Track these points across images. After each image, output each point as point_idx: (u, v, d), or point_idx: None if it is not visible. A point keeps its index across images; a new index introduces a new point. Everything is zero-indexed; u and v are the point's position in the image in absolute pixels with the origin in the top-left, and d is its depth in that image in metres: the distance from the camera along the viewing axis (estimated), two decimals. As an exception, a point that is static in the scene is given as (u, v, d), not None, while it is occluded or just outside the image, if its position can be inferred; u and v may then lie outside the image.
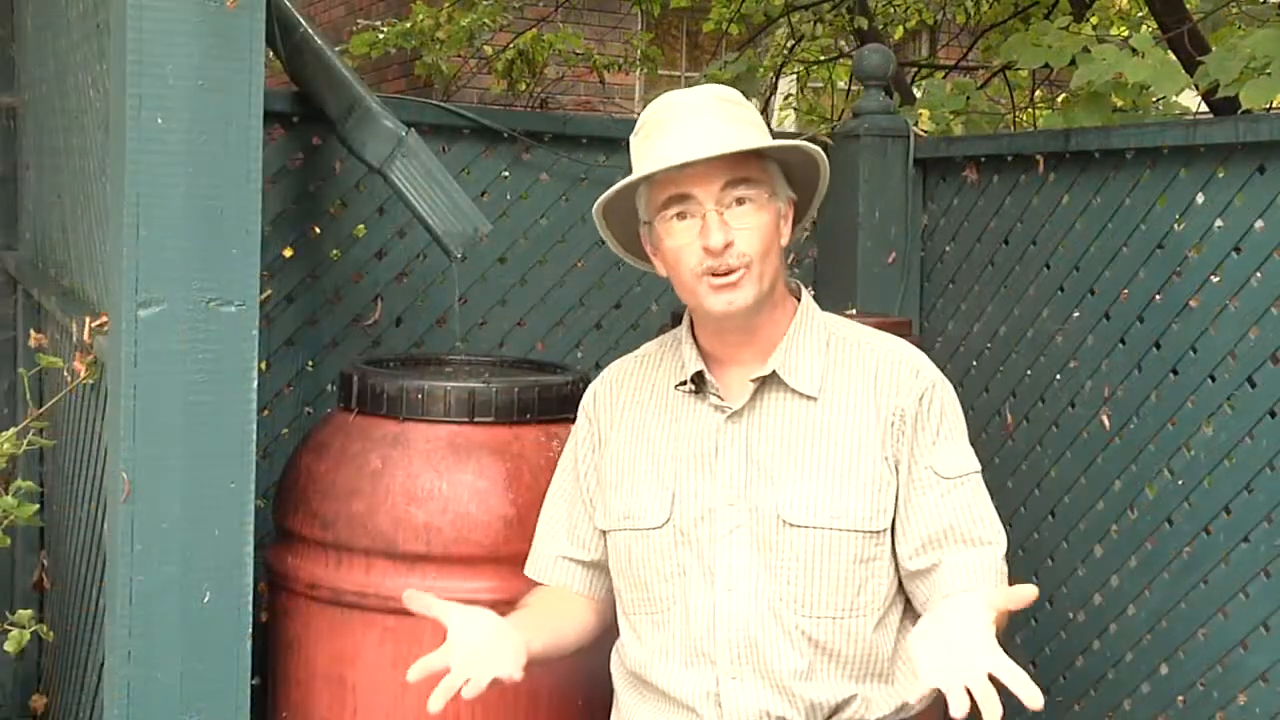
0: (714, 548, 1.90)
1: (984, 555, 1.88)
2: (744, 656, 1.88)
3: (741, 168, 1.84)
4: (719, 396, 1.93)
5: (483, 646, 1.81)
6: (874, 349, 1.95)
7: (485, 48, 6.61)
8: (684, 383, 1.96)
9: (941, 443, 1.91)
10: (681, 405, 1.97)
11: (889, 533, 1.89)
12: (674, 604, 1.93)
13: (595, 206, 1.95)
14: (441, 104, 2.97)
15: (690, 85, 2.02)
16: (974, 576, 1.86)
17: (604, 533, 2.02)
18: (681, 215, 1.86)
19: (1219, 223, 2.46)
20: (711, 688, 1.89)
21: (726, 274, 1.84)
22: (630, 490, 1.98)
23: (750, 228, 1.84)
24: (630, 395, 2.04)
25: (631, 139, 1.94)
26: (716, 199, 1.83)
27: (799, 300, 1.99)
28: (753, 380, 1.91)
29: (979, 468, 1.94)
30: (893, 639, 1.92)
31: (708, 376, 1.94)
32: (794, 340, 1.93)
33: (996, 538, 1.90)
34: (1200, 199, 2.50)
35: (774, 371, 1.90)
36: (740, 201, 1.84)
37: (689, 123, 1.85)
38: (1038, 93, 6.37)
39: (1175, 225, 2.54)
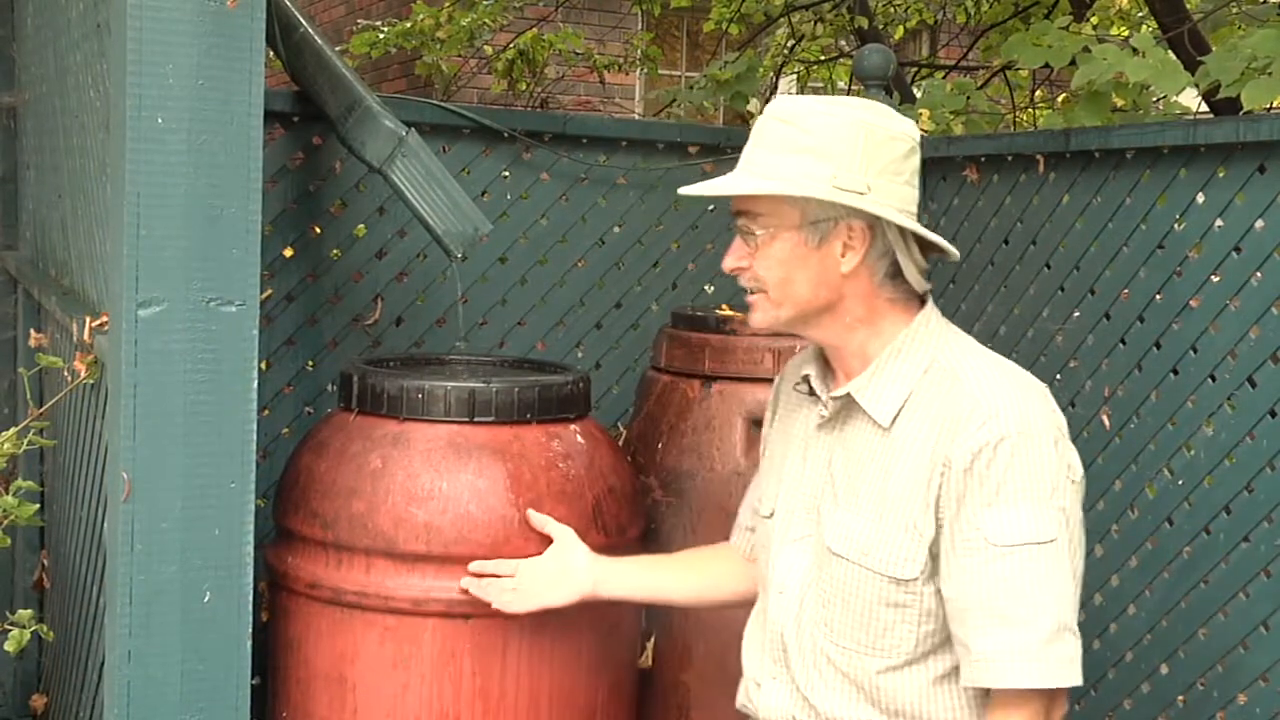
0: (783, 549, 1.92)
1: (1012, 639, 1.71)
2: (780, 659, 1.91)
3: (746, 201, 1.82)
4: (822, 403, 1.92)
5: (545, 574, 2.13)
6: (965, 386, 1.78)
7: (485, 48, 6.61)
8: (800, 383, 1.97)
9: (1000, 505, 1.71)
10: (804, 403, 1.98)
11: (925, 583, 1.78)
12: (764, 590, 1.99)
13: (687, 190, 1.94)
14: (441, 104, 2.97)
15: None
16: (992, 671, 1.72)
17: None
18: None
19: (1219, 223, 2.45)
20: (759, 677, 1.95)
21: (751, 292, 1.87)
22: (765, 475, 2.04)
23: (760, 256, 1.83)
24: (790, 389, 2.05)
25: None
26: (739, 224, 1.85)
27: (916, 317, 1.88)
28: (833, 398, 1.88)
29: (1052, 537, 1.72)
30: (924, 686, 1.81)
31: (815, 382, 1.93)
32: (889, 363, 1.84)
33: (1038, 618, 1.70)
34: (1200, 199, 2.49)
35: (849, 394, 1.85)
36: (747, 231, 1.83)
37: (749, 145, 1.85)
38: (1038, 93, 6.38)
39: (1175, 225, 2.54)
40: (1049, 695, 1.74)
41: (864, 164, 1.77)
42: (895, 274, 1.84)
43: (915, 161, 1.84)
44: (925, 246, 1.86)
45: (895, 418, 1.82)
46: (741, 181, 1.82)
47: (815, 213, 1.80)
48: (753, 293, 1.86)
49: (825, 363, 1.94)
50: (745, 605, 2.06)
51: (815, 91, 7.43)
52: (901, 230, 1.82)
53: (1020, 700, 1.73)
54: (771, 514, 1.97)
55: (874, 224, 1.81)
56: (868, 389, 1.85)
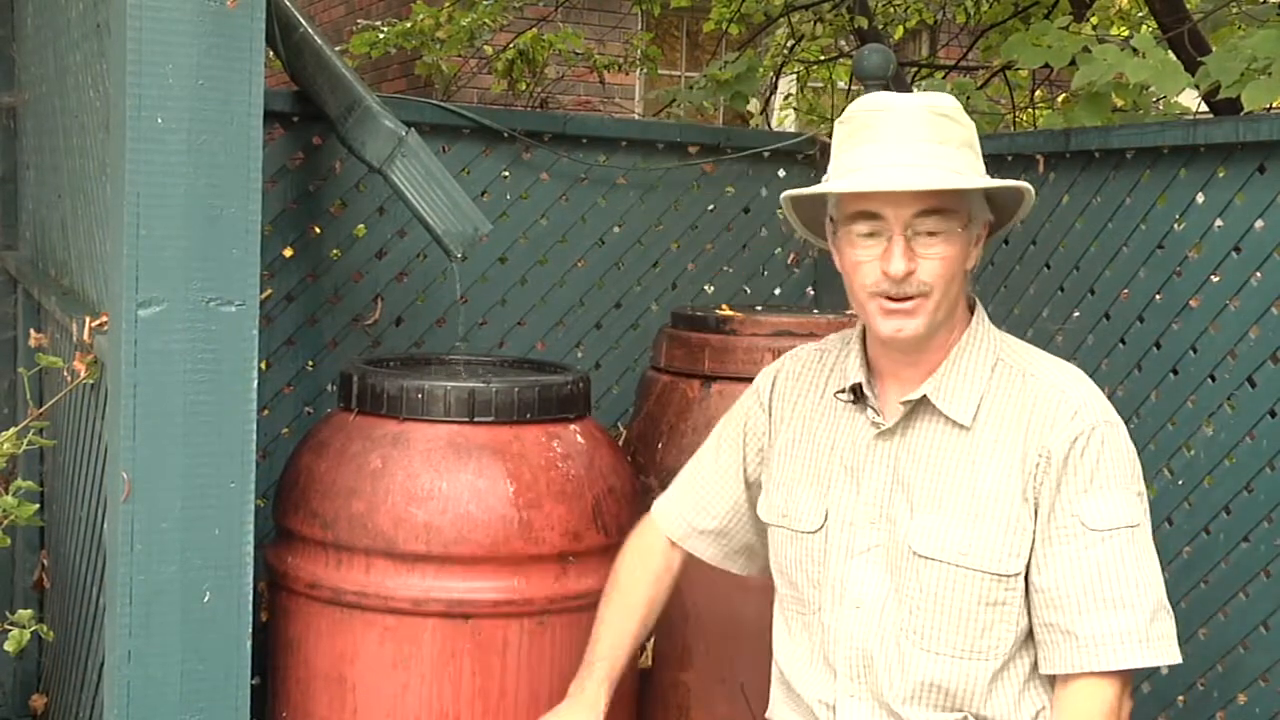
0: (850, 562, 1.87)
1: (1121, 621, 1.74)
2: (862, 676, 1.85)
3: (937, 197, 1.75)
4: (875, 410, 1.88)
5: None
6: (1039, 381, 1.83)
7: (485, 48, 6.61)
8: (843, 391, 1.91)
9: (1095, 491, 1.76)
10: (842, 412, 1.92)
11: (1022, 578, 1.79)
12: (819, 609, 1.91)
13: (784, 198, 1.89)
14: (441, 104, 2.97)
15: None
16: (1102, 654, 1.75)
17: (765, 524, 2.01)
18: (867, 232, 1.79)
19: (1219, 223, 2.46)
20: (829, 699, 1.88)
21: (903, 300, 1.78)
22: (790, 490, 1.95)
23: (936, 257, 1.77)
24: (804, 392, 1.99)
25: (836, 126, 1.87)
26: (906, 223, 1.76)
27: (972, 316, 1.90)
28: (903, 402, 1.85)
29: (1139, 522, 1.78)
30: (1016, 689, 1.82)
31: (866, 390, 1.88)
32: (956, 363, 1.85)
33: (1140, 599, 1.75)
34: (1200, 199, 2.50)
35: (925, 396, 1.84)
36: (931, 232, 1.77)
37: (896, 137, 1.77)
38: (1038, 93, 6.37)
39: (1175, 225, 2.54)
40: (1124, 675, 1.77)
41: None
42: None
43: None
44: None
45: (975, 416, 1.82)
46: (963, 178, 1.77)
47: (978, 207, 1.82)
48: (912, 298, 1.77)
49: (868, 369, 1.90)
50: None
51: (815, 92, 7.43)
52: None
53: (1105, 681, 1.76)
54: (820, 529, 1.90)
55: (990, 224, 1.86)
56: (940, 390, 1.83)
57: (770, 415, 2.02)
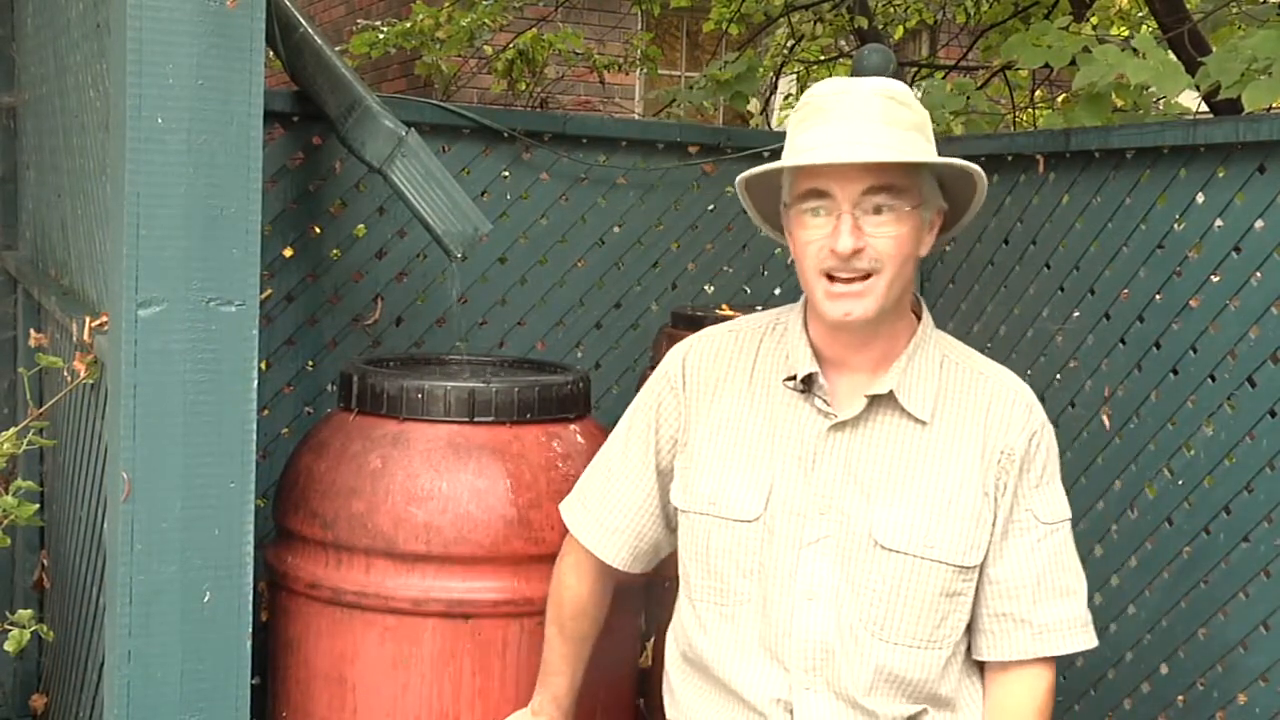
0: (798, 553, 1.85)
1: (1067, 609, 1.88)
2: (818, 669, 1.85)
3: (887, 174, 1.75)
4: (826, 402, 1.87)
5: None
6: (988, 380, 1.89)
7: (485, 48, 6.61)
8: (791, 379, 1.89)
9: (1044, 486, 1.88)
10: (783, 400, 1.90)
11: (979, 569, 1.86)
12: (748, 600, 1.89)
13: (738, 181, 1.88)
14: (441, 104, 2.97)
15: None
16: (1054, 640, 1.87)
17: (679, 510, 1.96)
18: (817, 211, 1.78)
19: (1219, 223, 2.46)
20: (783, 694, 1.86)
21: (849, 280, 1.77)
22: (719, 476, 1.91)
23: (886, 236, 1.76)
24: (725, 374, 1.95)
25: (791, 114, 1.87)
26: (855, 202, 1.75)
27: (920, 315, 1.92)
28: (868, 396, 1.84)
29: (1070, 514, 1.91)
30: (958, 673, 1.90)
31: (820, 380, 1.87)
32: (914, 359, 1.87)
33: (1080, 586, 1.90)
34: (1200, 199, 2.50)
35: (890, 391, 1.84)
36: (879, 209, 1.76)
37: (849, 116, 1.77)
38: (1038, 93, 6.38)
39: (1175, 225, 2.54)
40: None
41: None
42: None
43: None
44: None
45: (933, 412, 1.85)
46: (916, 146, 1.78)
47: (930, 192, 1.83)
48: (863, 277, 1.77)
49: (815, 359, 1.88)
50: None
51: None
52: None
53: (1047, 664, 1.89)
54: (758, 518, 1.87)
55: (944, 212, 1.87)
56: (903, 386, 1.84)
57: (685, 399, 1.97)
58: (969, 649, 1.91)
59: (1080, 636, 1.88)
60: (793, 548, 1.86)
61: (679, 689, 1.99)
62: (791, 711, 1.85)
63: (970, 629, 1.89)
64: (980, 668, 1.93)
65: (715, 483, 1.91)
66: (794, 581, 1.85)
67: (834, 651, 1.84)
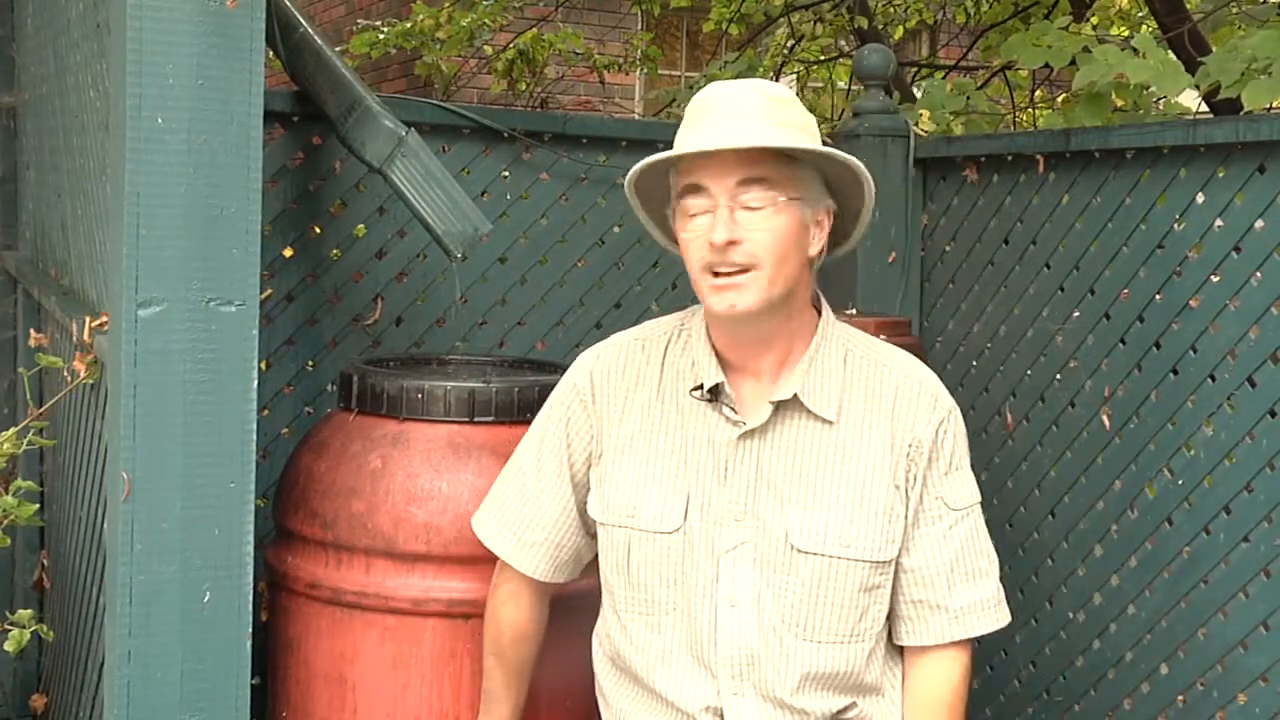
0: (717, 560, 1.86)
1: (980, 591, 1.91)
2: (745, 673, 1.86)
3: (761, 166, 1.75)
4: (733, 409, 1.87)
5: None
6: (892, 372, 1.90)
7: (485, 48, 6.61)
8: (698, 389, 1.88)
9: (954, 473, 1.90)
10: (693, 409, 1.90)
11: (894, 561, 1.89)
12: (673, 609, 1.89)
13: (627, 181, 1.88)
14: (441, 104, 2.97)
15: (690, 85, 2.00)
16: (968, 622, 1.91)
17: (597, 522, 1.96)
18: (697, 207, 1.78)
19: (1219, 223, 2.46)
20: (712, 701, 1.87)
21: (730, 274, 1.77)
22: (636, 489, 1.91)
23: (761, 229, 1.76)
24: (634, 385, 1.94)
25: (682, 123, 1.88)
26: (731, 194, 1.75)
27: (820, 313, 1.91)
28: (772, 403, 1.85)
29: (979, 498, 1.95)
30: (882, 656, 1.93)
31: (726, 389, 1.86)
32: (816, 359, 1.86)
33: (990, 568, 1.94)
34: (1200, 199, 2.50)
35: (795, 395, 1.84)
36: (754, 201, 1.76)
37: (726, 115, 1.77)
38: (1038, 93, 6.38)
39: (1175, 225, 2.54)
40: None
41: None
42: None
43: None
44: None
45: (839, 411, 1.86)
46: (792, 139, 1.77)
47: (812, 190, 1.81)
48: (743, 270, 1.77)
49: (719, 367, 1.88)
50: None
51: (815, 92, 7.44)
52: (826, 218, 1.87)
53: (962, 647, 1.92)
54: (678, 529, 1.87)
55: (833, 213, 1.86)
56: (806, 389, 1.85)
57: (595, 411, 1.96)
58: (890, 635, 1.95)
59: (993, 615, 1.92)
60: (711, 555, 1.86)
61: (610, 694, 2.00)
62: (722, 717, 1.87)
63: (890, 616, 1.92)
64: (901, 651, 1.96)
65: (632, 495, 1.91)
66: (716, 589, 1.86)
67: (759, 655, 1.85)
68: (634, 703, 1.96)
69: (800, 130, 1.81)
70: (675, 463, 1.89)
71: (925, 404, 1.88)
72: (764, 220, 1.77)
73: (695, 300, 3.23)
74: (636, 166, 1.85)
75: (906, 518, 1.87)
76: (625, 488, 1.92)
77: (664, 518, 1.88)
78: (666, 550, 1.89)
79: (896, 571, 1.89)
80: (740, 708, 1.86)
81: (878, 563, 1.86)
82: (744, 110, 1.78)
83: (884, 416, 1.87)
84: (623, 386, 1.95)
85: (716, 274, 1.78)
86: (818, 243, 1.84)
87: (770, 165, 1.76)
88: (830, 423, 1.86)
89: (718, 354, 1.89)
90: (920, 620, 1.91)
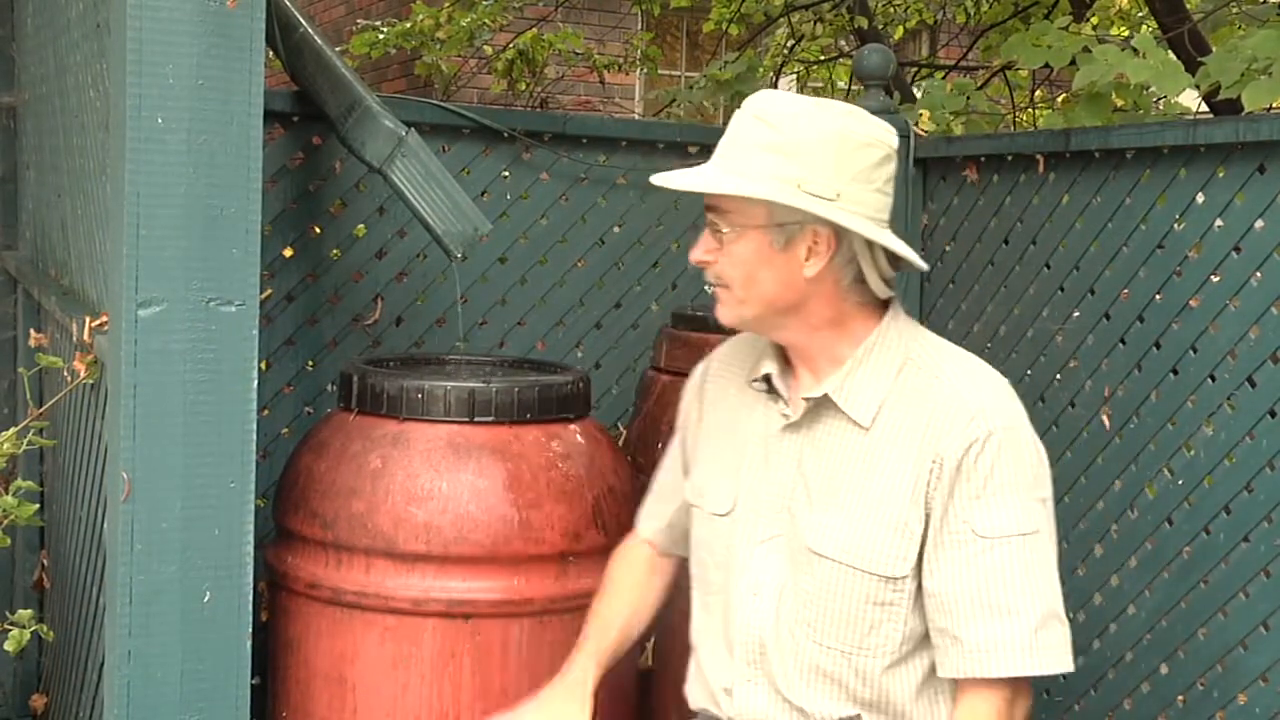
0: (751, 549, 1.89)
1: (1006, 629, 1.74)
2: (757, 662, 1.88)
3: (716, 196, 1.83)
4: (785, 402, 1.89)
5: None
6: (944, 383, 1.81)
7: (485, 48, 6.61)
8: (757, 380, 1.93)
9: (988, 498, 1.75)
10: (756, 400, 1.94)
11: (912, 580, 1.79)
12: (719, 591, 1.94)
13: (656, 178, 1.93)
14: (441, 104, 2.97)
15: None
16: (986, 661, 1.75)
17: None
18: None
19: (1219, 223, 2.46)
20: (728, 684, 1.91)
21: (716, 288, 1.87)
22: (706, 471, 1.98)
23: (724, 253, 1.84)
24: (733, 377, 2.01)
25: None
26: (708, 217, 1.86)
27: (884, 316, 1.88)
28: (804, 399, 1.85)
29: (1036, 529, 1.77)
30: (912, 684, 1.83)
31: (776, 381, 1.90)
32: (862, 362, 1.84)
33: (1028, 607, 1.74)
34: (1200, 199, 2.50)
35: (826, 395, 1.84)
36: (713, 227, 1.85)
37: (725, 139, 1.84)
38: (1038, 93, 6.38)
39: (1175, 225, 2.54)
40: (1015, 681, 1.77)
41: (835, 169, 1.76)
42: (862, 279, 1.83)
43: (890, 169, 1.81)
44: (895, 254, 1.83)
45: (875, 417, 1.83)
46: (706, 178, 1.82)
47: (781, 215, 1.79)
48: (717, 287, 1.87)
49: (784, 360, 1.91)
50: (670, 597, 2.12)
51: (815, 92, 7.43)
52: (868, 239, 1.80)
53: (992, 688, 1.77)
54: (729, 513, 1.92)
55: (840, 231, 1.79)
56: (843, 390, 1.84)
57: (701, 401, 2.04)
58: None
59: (1023, 659, 1.74)
60: (749, 543, 1.90)
61: (689, 672, 2.05)
62: (732, 701, 1.91)
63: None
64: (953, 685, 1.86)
65: (703, 477, 1.98)
66: (745, 576, 1.89)
67: (769, 647, 1.87)
68: (693, 679, 2.01)
69: (773, 151, 1.78)
70: (738, 449, 1.94)
71: (961, 419, 1.77)
72: (726, 245, 1.84)
73: (693, 300, 3.23)
74: (672, 185, 1.89)
75: (928, 537, 1.78)
76: (699, 469, 2.00)
77: (720, 501, 1.94)
78: (719, 532, 1.94)
79: (923, 595, 1.80)
80: (748, 694, 1.88)
81: (886, 578, 1.79)
82: (733, 135, 1.83)
83: (917, 429, 1.80)
84: (725, 375, 2.03)
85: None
86: (816, 264, 1.80)
87: (725, 196, 1.82)
88: (865, 428, 1.83)
89: (783, 350, 1.93)
90: (943, 650, 1.79)
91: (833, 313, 1.85)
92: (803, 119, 1.78)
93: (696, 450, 2.02)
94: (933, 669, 1.83)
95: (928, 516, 1.78)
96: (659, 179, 1.85)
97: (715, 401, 2.01)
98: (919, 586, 1.80)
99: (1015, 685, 1.78)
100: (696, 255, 1.87)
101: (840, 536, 1.81)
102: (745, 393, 1.97)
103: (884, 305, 1.89)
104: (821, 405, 1.86)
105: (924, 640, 1.83)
